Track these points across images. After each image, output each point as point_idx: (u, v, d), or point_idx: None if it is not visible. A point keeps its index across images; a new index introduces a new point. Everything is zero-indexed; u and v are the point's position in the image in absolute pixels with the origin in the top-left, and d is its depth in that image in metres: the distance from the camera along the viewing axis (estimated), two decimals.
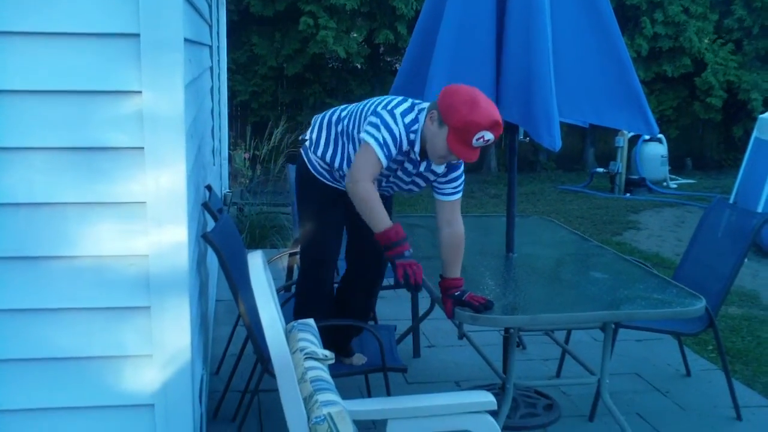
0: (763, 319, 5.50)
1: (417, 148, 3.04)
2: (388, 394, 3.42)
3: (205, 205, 3.64)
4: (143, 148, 2.17)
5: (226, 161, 8.61)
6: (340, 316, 3.57)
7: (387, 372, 3.37)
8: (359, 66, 11.59)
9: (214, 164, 6.11)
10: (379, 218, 2.93)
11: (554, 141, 3.22)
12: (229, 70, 9.48)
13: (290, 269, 4.78)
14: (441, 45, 3.49)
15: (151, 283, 2.20)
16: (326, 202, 3.38)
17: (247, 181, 8.46)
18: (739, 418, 3.97)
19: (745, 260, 6.90)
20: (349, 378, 3.48)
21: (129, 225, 2.19)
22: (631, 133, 10.49)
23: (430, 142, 2.96)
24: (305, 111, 11.29)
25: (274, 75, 11.27)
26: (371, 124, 2.99)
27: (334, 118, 3.28)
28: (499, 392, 3.58)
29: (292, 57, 10.95)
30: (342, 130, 3.22)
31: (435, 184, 3.16)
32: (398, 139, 2.97)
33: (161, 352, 2.24)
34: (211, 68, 5.58)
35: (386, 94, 3.97)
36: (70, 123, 2.12)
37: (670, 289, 3.35)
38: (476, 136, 2.83)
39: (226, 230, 3.43)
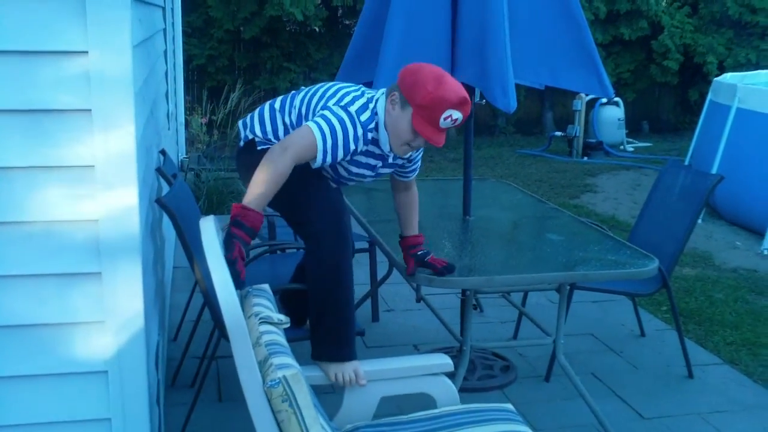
0: (715, 279, 5.60)
1: (386, 145, 2.81)
2: None
3: (159, 170, 3.58)
4: (90, 110, 2.11)
5: (183, 126, 8.49)
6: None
7: None
8: (317, 29, 11.46)
9: (169, 129, 6.02)
10: (262, 196, 2.58)
11: (509, 102, 3.21)
12: (184, 33, 9.31)
13: None
14: (395, 5, 3.45)
15: (101, 248, 2.16)
16: (307, 175, 2.91)
17: (204, 147, 8.35)
18: (690, 376, 4.05)
19: (700, 222, 7.03)
20: (308, 343, 3.47)
21: (77, 189, 2.14)
22: (589, 97, 10.54)
23: (393, 128, 2.74)
24: (263, 75, 11.17)
25: (231, 38, 11.11)
26: (321, 117, 2.71)
27: (278, 105, 2.97)
28: (456, 355, 3.60)
29: (249, 20, 10.79)
30: (290, 122, 2.92)
31: (399, 169, 3.04)
32: (352, 141, 2.71)
33: (114, 318, 2.20)
34: (165, 30, 5.46)
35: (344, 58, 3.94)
36: (13, 84, 2.05)
37: (624, 251, 3.39)
38: (444, 115, 2.64)
39: (180, 195, 3.38)
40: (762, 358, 4.30)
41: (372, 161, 2.89)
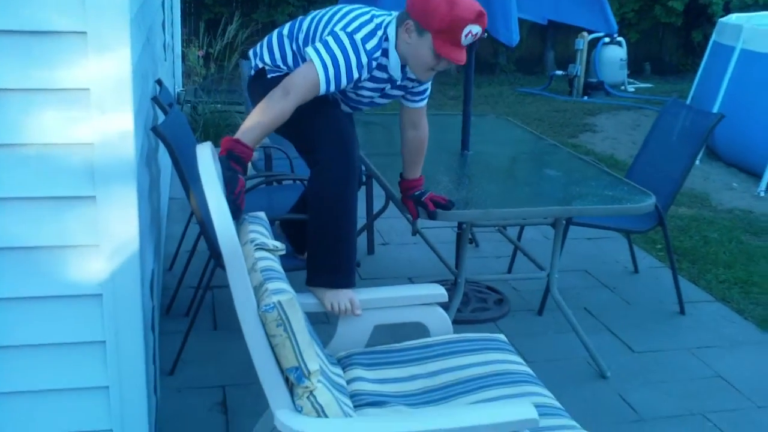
0: (711, 219, 5.62)
1: (397, 70, 2.79)
2: None
3: (155, 100, 3.56)
4: (86, 32, 2.08)
5: (180, 59, 8.39)
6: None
7: None
8: None
9: (165, 60, 5.96)
10: (256, 134, 2.60)
11: (511, 36, 3.19)
12: None
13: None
14: None
15: (96, 172, 2.15)
16: (319, 102, 2.85)
17: (201, 80, 8.27)
18: (682, 312, 4.10)
19: (698, 163, 7.02)
20: (303, 274, 3.49)
21: (72, 112, 2.12)
22: (591, 36, 10.42)
23: (413, 56, 2.71)
24: (261, 8, 11.01)
25: None
26: (324, 43, 2.68)
27: (286, 32, 2.95)
28: (451, 287, 3.63)
29: None
30: (298, 48, 2.90)
31: (407, 94, 3.00)
32: (356, 69, 2.68)
33: (108, 242, 2.20)
34: None
35: None
36: (7, 5, 2.02)
37: (621, 187, 3.39)
38: (464, 33, 2.61)
39: (176, 124, 3.37)
40: (753, 296, 4.34)
41: (380, 84, 2.86)
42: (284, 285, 2.02)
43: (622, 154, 7.40)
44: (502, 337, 2.63)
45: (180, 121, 3.56)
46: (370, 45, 2.69)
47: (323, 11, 2.87)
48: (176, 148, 3.05)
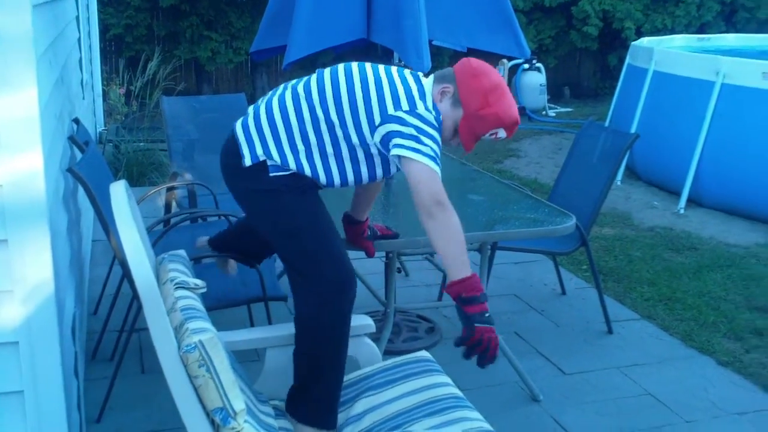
0: (633, 238, 5.74)
1: None
2: (270, 323, 3.41)
3: (72, 139, 3.48)
4: None
5: (100, 97, 8.26)
6: (237, 238, 3.13)
7: (268, 302, 3.36)
8: None
9: (84, 98, 5.85)
10: (466, 258, 2.37)
11: (422, 62, 3.21)
12: (99, 1, 9.04)
13: (168, 205, 4.66)
14: None
15: (6, 214, 2.08)
16: (310, 203, 2.57)
17: (123, 118, 8.15)
18: (610, 331, 4.15)
19: (619, 183, 7.19)
20: (230, 311, 3.43)
21: None
22: (511, 63, 10.62)
23: None
24: (183, 44, 10.92)
25: (149, 6, 10.81)
26: (403, 136, 2.38)
27: (305, 127, 2.49)
28: (381, 318, 3.62)
29: None
30: (322, 140, 2.49)
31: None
32: (440, 136, 2.47)
33: (22, 286, 2.13)
34: None
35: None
36: None
37: (543, 209, 3.44)
38: (491, 132, 2.51)
39: (94, 163, 3.30)
40: (677, 313, 4.43)
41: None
42: (205, 324, 1.98)
43: (545, 178, 7.52)
44: (424, 354, 2.62)
45: (97, 160, 3.49)
46: (430, 110, 2.46)
47: (338, 88, 2.50)
48: (93, 188, 2.97)
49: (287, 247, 2.56)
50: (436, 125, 2.45)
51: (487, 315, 2.34)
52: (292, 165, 2.50)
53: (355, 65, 2.56)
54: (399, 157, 2.39)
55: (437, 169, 2.40)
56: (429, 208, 2.37)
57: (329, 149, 2.50)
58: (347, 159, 2.53)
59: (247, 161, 2.51)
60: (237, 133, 2.56)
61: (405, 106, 2.43)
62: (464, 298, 2.34)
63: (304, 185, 2.53)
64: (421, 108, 2.43)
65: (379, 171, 2.59)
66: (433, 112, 2.46)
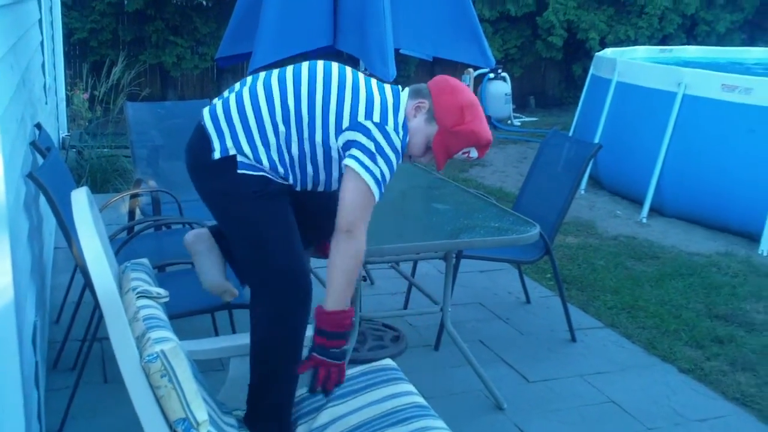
0: (597, 247, 5.79)
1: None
2: (234, 332, 3.39)
3: (34, 144, 3.44)
4: None
5: (64, 102, 8.16)
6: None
7: (232, 310, 3.33)
8: (204, 2, 11.19)
9: (47, 103, 5.77)
10: (349, 293, 2.42)
11: (388, 71, 3.22)
12: (63, 4, 8.93)
13: (132, 212, 4.61)
14: None
15: None
16: (279, 211, 2.51)
17: (87, 123, 8.05)
18: (573, 339, 4.19)
19: (583, 192, 7.26)
20: (195, 319, 3.40)
21: None
22: (477, 72, 10.68)
23: (410, 137, 2.49)
24: (148, 49, 10.83)
25: (114, 11, 10.71)
26: (362, 149, 2.35)
27: (276, 119, 2.43)
28: None
29: None
30: (289, 137, 2.43)
31: None
32: (396, 163, 2.42)
33: None
34: None
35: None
36: None
37: (507, 218, 3.46)
38: (464, 149, 2.51)
39: (55, 169, 3.25)
40: (639, 320, 4.48)
41: None
42: (168, 333, 1.96)
43: (510, 187, 7.57)
44: (390, 363, 2.61)
45: (59, 166, 3.44)
46: (398, 132, 2.42)
47: (313, 85, 2.45)
48: (54, 195, 2.93)
49: (250, 256, 2.52)
50: (399, 150, 2.41)
51: (336, 351, 2.42)
52: (264, 160, 2.43)
53: (335, 65, 2.53)
54: (347, 167, 2.37)
55: (376, 194, 2.39)
56: (340, 233, 2.39)
57: (294, 147, 2.45)
58: (307, 158, 2.47)
59: (217, 154, 2.42)
60: (206, 123, 2.47)
61: (376, 117, 2.39)
62: (324, 330, 2.41)
63: (272, 190, 2.47)
64: (390, 125, 2.40)
65: (335, 174, 2.53)
66: (401, 132, 2.44)
